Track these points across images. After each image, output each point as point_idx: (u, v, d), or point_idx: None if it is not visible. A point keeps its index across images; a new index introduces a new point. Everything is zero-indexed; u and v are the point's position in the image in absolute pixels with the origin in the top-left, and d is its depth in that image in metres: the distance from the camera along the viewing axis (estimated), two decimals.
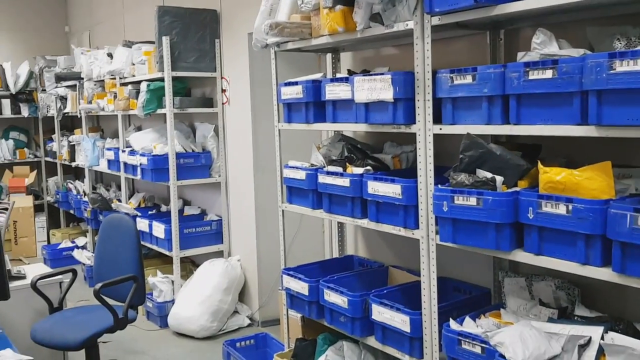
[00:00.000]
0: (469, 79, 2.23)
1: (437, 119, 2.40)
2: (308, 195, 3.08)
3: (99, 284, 3.23)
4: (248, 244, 4.63)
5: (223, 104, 4.79)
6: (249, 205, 4.56)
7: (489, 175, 2.24)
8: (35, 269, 3.76)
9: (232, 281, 4.49)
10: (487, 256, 2.69)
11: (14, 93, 7.32)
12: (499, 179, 2.21)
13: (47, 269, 3.84)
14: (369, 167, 2.81)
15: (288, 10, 3.09)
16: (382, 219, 2.66)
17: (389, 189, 2.56)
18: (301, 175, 3.08)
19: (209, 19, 4.70)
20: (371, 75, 2.62)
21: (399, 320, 2.54)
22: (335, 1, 2.74)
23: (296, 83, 3.05)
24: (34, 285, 3.35)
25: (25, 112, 7.46)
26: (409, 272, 3.11)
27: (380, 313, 2.63)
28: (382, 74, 2.55)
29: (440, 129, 2.38)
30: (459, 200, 2.22)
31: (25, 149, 7.63)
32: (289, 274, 3.16)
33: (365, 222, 2.75)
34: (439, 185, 2.34)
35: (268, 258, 4.45)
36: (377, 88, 2.54)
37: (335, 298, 2.83)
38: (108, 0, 6.79)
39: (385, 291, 2.79)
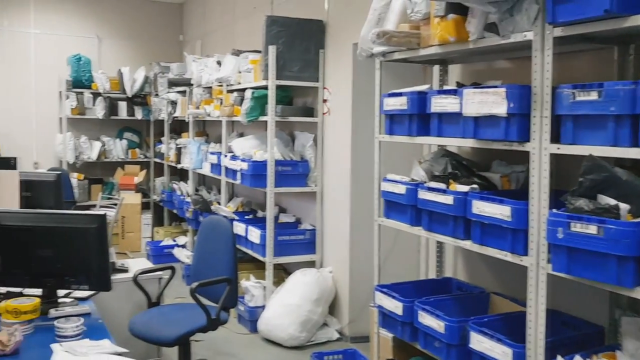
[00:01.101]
0: (594, 96, 2.04)
1: (554, 138, 2.22)
2: (406, 211, 2.96)
3: (195, 283, 3.29)
4: (341, 256, 4.57)
5: (323, 114, 4.78)
6: (343, 216, 4.51)
7: (612, 202, 2.02)
8: (137, 264, 3.92)
9: (322, 292, 4.45)
10: (603, 290, 2.44)
11: (130, 96, 7.77)
12: (624, 206, 2.00)
13: (149, 265, 4.00)
14: (474, 186, 2.66)
15: (397, 19, 3.02)
16: (487, 241, 2.50)
17: (497, 210, 2.40)
18: (400, 189, 2.97)
19: (315, 29, 4.72)
20: (483, 87, 2.47)
21: (500, 352, 2.36)
22: (447, 10, 2.63)
23: (400, 94, 2.96)
24: (135, 279, 3.48)
25: (139, 114, 7.90)
26: (513, 301, 2.90)
27: (480, 342, 2.46)
28: (496, 86, 2.40)
29: (558, 148, 2.19)
30: (577, 227, 2.02)
31: (137, 150, 8.07)
32: (382, 292, 3.06)
33: (467, 244, 2.59)
34: (554, 210, 2.15)
35: (361, 272, 4.37)
36: (488, 102, 2.40)
37: (430, 321, 2.69)
38: (221, 10, 7.05)
39: (485, 319, 2.62)
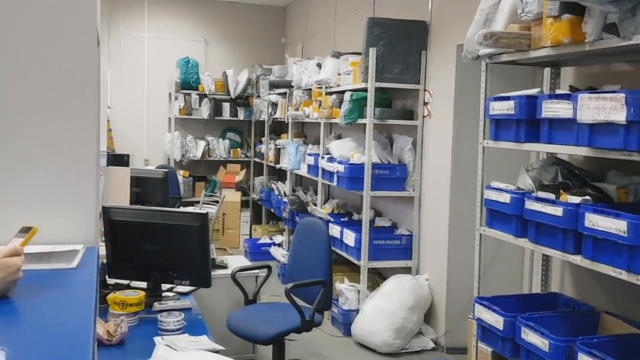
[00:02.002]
0: None
1: None
2: (511, 221, 2.82)
3: (291, 284, 3.33)
4: (438, 263, 4.45)
5: (424, 117, 4.68)
6: (442, 223, 4.38)
7: None
8: (236, 260, 4.03)
9: (418, 300, 4.35)
10: None
11: (233, 97, 8.04)
12: None
13: (246, 262, 4.10)
14: (587, 197, 2.47)
15: (505, 19, 2.88)
16: (600, 257, 2.31)
17: (612, 225, 2.21)
18: (505, 198, 2.83)
19: (418, 31, 4.62)
20: (600, 92, 2.29)
21: None
22: (562, 9, 2.46)
23: (508, 98, 2.82)
24: (233, 276, 3.57)
25: (241, 115, 8.15)
26: (627, 322, 2.68)
27: None
28: (614, 91, 2.22)
29: None
30: None
31: (239, 149, 8.33)
32: (482, 304, 2.93)
33: (578, 259, 2.42)
34: None
35: (459, 282, 4.22)
36: (606, 108, 2.22)
37: (534, 339, 2.54)
38: (322, 13, 7.12)
39: (595, 340, 2.43)
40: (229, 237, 7.60)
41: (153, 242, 2.72)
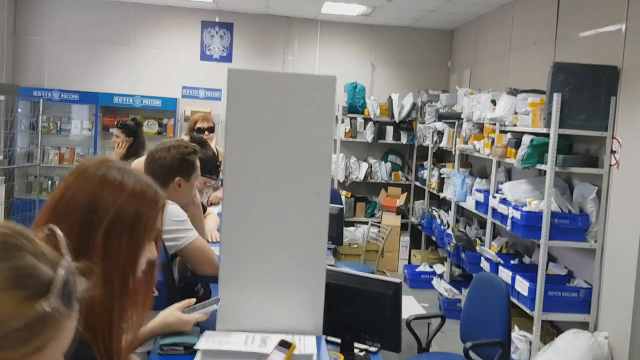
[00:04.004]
0: None
1: None
2: None
3: (469, 343, 3.38)
4: (620, 321, 4.20)
5: (611, 165, 4.43)
6: (627, 279, 4.13)
7: None
8: (407, 302, 4.15)
9: None
10: None
11: (397, 122, 8.18)
12: None
13: (414, 301, 4.21)
14: None
15: None
16: None
17: None
18: None
19: (607, 76, 4.39)
20: None
21: None
22: None
23: None
24: (408, 325, 3.69)
25: (404, 139, 8.27)
26: None
27: None
28: None
29: None
30: None
31: (399, 172, 8.46)
32: None
33: None
34: None
35: None
36: None
37: None
38: (494, 40, 6.98)
39: None
40: (388, 260, 7.76)
41: (348, 304, 2.91)
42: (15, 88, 7.33)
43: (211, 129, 4.95)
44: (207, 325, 2.19)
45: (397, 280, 3.07)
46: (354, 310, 2.93)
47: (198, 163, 2.91)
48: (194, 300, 2.18)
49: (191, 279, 2.95)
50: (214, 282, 2.96)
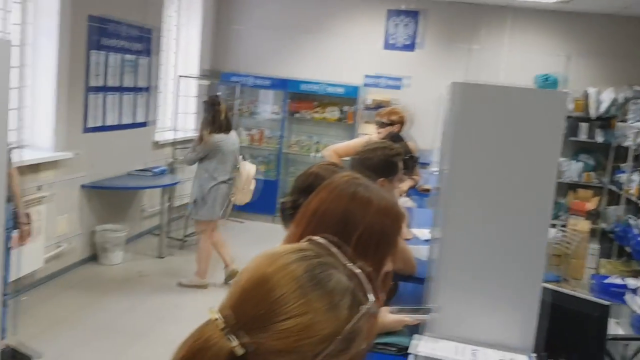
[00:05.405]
0: None
1: None
2: None
3: None
4: None
5: None
6: None
7: None
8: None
9: None
10: None
11: (593, 118, 7.52)
12: None
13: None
14: None
15: None
16: None
17: None
18: None
19: None
20: None
21: None
22: None
23: None
24: None
25: (599, 137, 7.58)
26: None
27: None
28: None
29: None
30: None
31: (592, 173, 7.79)
32: None
33: None
34: None
35: None
36: None
37: None
38: None
39: None
40: (572, 267, 7.20)
41: (551, 322, 2.75)
42: (217, 74, 7.98)
43: (398, 122, 4.94)
44: (413, 328, 2.21)
45: (606, 302, 2.84)
46: (554, 328, 2.77)
47: (401, 165, 2.93)
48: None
49: None
50: (404, 280, 2.98)
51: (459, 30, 8.27)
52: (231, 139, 5.56)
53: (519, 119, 2.07)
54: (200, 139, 5.48)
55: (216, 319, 0.81)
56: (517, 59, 8.05)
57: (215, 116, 5.40)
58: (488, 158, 2.06)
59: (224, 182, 5.52)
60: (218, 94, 6.57)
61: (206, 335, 0.80)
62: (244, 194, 5.75)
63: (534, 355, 2.25)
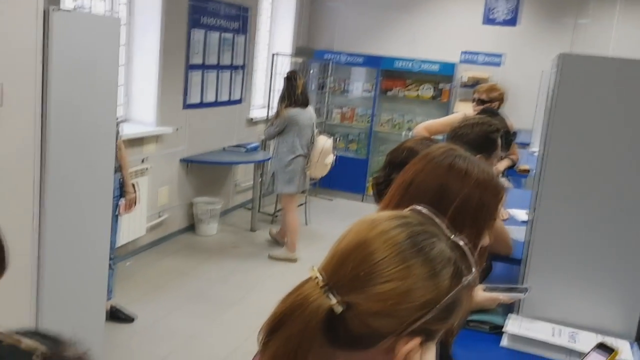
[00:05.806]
0: None
1: None
2: None
3: None
4: None
5: None
6: None
7: None
8: None
9: None
10: None
11: None
12: None
13: None
14: None
15: None
16: None
17: None
18: None
19: None
20: None
21: None
22: None
23: None
24: None
25: None
26: None
27: None
28: None
29: None
30: None
31: None
32: None
33: None
34: None
35: None
36: None
37: None
38: None
39: None
40: None
41: None
42: (310, 51, 8.03)
43: (497, 100, 4.74)
44: (507, 308, 2.14)
45: None
46: None
47: (500, 142, 2.81)
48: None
49: None
50: (500, 260, 2.89)
51: (564, 3, 7.78)
52: (308, 113, 5.62)
53: (633, 95, 1.93)
54: (278, 113, 5.58)
55: (316, 277, 0.82)
56: (630, 34, 7.48)
57: (292, 91, 5.48)
58: (595, 136, 1.94)
59: (302, 155, 5.59)
60: (295, 69, 6.72)
61: (306, 292, 0.81)
62: (319, 167, 5.78)
63: (637, 343, 2.12)
